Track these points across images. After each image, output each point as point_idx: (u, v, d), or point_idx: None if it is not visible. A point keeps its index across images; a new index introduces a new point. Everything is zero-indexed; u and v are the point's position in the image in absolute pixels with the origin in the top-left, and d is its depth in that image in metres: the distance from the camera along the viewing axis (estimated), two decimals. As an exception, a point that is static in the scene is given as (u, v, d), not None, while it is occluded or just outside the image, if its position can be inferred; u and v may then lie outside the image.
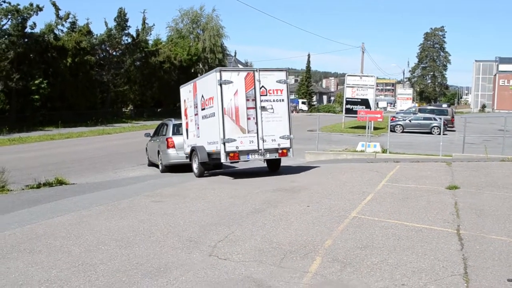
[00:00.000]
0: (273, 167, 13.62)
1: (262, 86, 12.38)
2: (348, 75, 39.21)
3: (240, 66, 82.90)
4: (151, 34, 53.40)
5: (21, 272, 5.37)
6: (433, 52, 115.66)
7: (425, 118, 34.87)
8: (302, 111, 77.20)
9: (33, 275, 5.26)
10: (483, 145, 20.37)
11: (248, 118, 12.22)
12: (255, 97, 12.28)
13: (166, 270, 5.34)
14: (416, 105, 70.94)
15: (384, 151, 18.84)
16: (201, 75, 21.86)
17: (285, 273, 5.18)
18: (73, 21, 45.92)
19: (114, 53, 50.20)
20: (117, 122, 45.56)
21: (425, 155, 17.83)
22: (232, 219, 7.64)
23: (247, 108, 12.21)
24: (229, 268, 5.35)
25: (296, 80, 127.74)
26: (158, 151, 15.75)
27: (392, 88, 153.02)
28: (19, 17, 37.45)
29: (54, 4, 42.33)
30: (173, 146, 15.01)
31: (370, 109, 35.52)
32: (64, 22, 43.93)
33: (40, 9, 38.64)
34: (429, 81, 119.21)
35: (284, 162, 15.45)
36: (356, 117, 26.28)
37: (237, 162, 13.44)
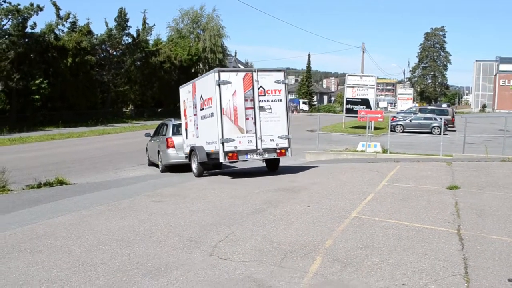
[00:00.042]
0: (272, 167, 13.65)
1: (261, 86, 12.44)
2: (349, 75, 39.20)
3: (241, 66, 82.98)
4: (151, 34, 53.48)
5: (21, 272, 5.38)
6: (433, 52, 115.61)
7: (425, 118, 34.86)
8: (303, 111, 77.23)
9: (34, 275, 5.26)
10: (484, 145, 20.36)
11: (247, 118, 12.27)
12: (253, 97, 12.34)
13: (166, 270, 5.34)
14: (417, 105, 70.93)
15: (384, 151, 18.84)
16: (201, 75, 21.85)
17: (285, 273, 5.18)
18: (73, 21, 45.95)
19: (114, 53, 50.21)
20: (118, 122, 45.55)
21: (426, 155, 17.83)
22: (233, 219, 7.64)
23: (246, 108, 12.27)
24: (229, 268, 5.35)
25: (296, 80, 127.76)
26: (158, 151, 15.78)
27: (393, 88, 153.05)
28: (19, 17, 37.46)
29: (54, 4, 42.35)
30: (173, 146, 15.05)
31: (371, 109, 35.52)
32: (64, 22, 43.97)
33: (41, 9, 38.65)
34: (429, 81, 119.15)
35: (285, 162, 15.45)
36: (356, 117, 26.28)
37: (236, 162, 13.51)
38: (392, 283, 4.85)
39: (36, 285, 4.99)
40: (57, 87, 41.03)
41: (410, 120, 34.85)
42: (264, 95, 12.45)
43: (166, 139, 15.24)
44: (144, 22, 51.61)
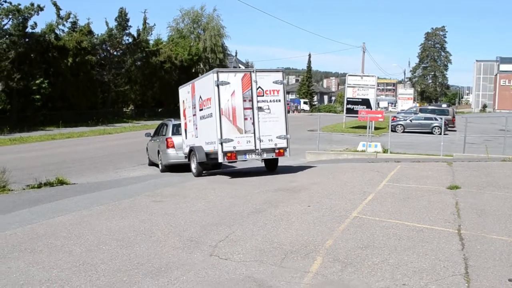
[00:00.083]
0: (271, 167, 13.70)
1: (259, 87, 12.51)
2: (349, 75, 39.17)
3: (241, 66, 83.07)
4: (152, 34, 53.43)
5: (22, 271, 5.38)
6: (434, 52, 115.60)
7: (426, 118, 34.85)
8: (304, 111, 77.27)
9: (34, 275, 5.26)
10: (484, 145, 20.37)
11: (245, 119, 12.34)
12: (252, 97, 12.41)
13: (167, 270, 5.34)
14: (417, 105, 70.86)
15: (385, 151, 18.83)
16: (202, 75, 21.87)
17: (286, 273, 5.18)
18: (74, 21, 45.92)
19: (115, 53, 50.20)
20: (118, 122, 45.54)
21: (426, 155, 17.82)
22: (233, 219, 7.64)
23: (244, 108, 12.35)
24: (230, 268, 5.35)
25: (297, 80, 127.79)
26: (158, 151, 15.82)
27: (393, 88, 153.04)
28: (20, 17, 37.44)
29: (55, 4, 42.33)
30: (173, 146, 15.09)
31: (371, 109, 35.51)
32: (65, 22, 43.93)
33: (41, 9, 38.62)
34: (430, 81, 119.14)
35: (285, 162, 15.45)
36: (357, 117, 26.26)
37: (235, 162, 13.57)
38: (392, 283, 4.85)
39: (36, 285, 4.99)
40: (58, 87, 41.02)
41: (411, 120, 34.84)
42: (263, 96, 12.52)
43: (166, 139, 15.27)
44: (145, 22, 51.60)
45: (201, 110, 13.45)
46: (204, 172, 13.71)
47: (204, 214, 8.07)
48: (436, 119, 33.49)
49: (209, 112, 12.76)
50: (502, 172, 12.40)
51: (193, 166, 13.58)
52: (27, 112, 38.53)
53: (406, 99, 71.32)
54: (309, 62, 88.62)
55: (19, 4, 37.58)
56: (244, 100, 12.35)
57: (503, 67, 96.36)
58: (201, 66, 62.39)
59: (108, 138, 30.45)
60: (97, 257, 5.82)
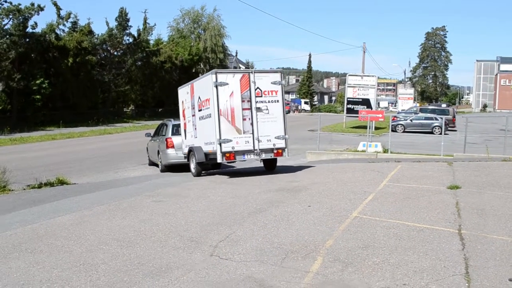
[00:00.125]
0: (270, 167, 13.77)
1: (257, 88, 12.58)
2: (350, 75, 39.15)
3: (242, 66, 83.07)
4: (152, 34, 53.37)
5: (22, 272, 5.38)
6: (434, 52, 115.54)
7: (426, 118, 34.83)
8: (305, 111, 77.30)
9: (35, 275, 5.26)
10: (485, 145, 20.39)
11: (244, 119, 12.42)
12: (250, 98, 12.49)
13: (167, 270, 5.34)
14: (418, 105, 70.84)
15: (385, 151, 18.83)
16: (202, 75, 21.90)
17: (286, 273, 5.18)
18: (74, 21, 45.89)
19: (115, 53, 50.16)
20: (118, 122, 45.54)
21: (427, 155, 17.81)
22: (233, 219, 7.64)
23: (243, 109, 12.43)
24: (230, 268, 5.35)
25: (297, 80, 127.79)
26: (158, 151, 15.85)
27: (393, 88, 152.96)
28: (20, 17, 37.43)
29: (55, 4, 42.31)
30: (172, 146, 15.13)
31: (372, 109, 35.50)
32: (65, 22, 43.90)
33: (42, 9, 38.60)
34: (430, 81, 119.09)
35: (285, 161, 15.46)
36: (357, 117, 26.26)
37: (234, 162, 13.62)
38: (393, 283, 4.85)
39: (37, 285, 4.99)
40: (58, 87, 41.02)
41: (411, 120, 34.83)
42: (261, 96, 12.60)
43: (166, 139, 15.31)
44: (145, 22, 51.58)
45: (200, 110, 13.53)
46: (203, 172, 13.78)
47: (205, 214, 8.07)
48: (436, 119, 33.48)
49: (208, 113, 12.84)
50: (503, 172, 12.40)
51: (192, 166, 13.66)
52: (27, 112, 38.51)
53: (407, 99, 71.20)
54: (310, 62, 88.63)
55: (20, 4, 37.61)
56: (243, 101, 12.42)
57: (504, 67, 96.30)
58: (202, 66, 62.39)
59: (108, 138, 30.46)
60: (97, 257, 5.82)
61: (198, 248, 6.12)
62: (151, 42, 55.14)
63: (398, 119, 35.44)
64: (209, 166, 14.36)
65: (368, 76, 39.17)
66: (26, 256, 5.93)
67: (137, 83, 52.32)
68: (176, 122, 15.92)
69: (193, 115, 14.11)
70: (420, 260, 5.49)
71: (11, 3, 37.17)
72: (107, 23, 47.80)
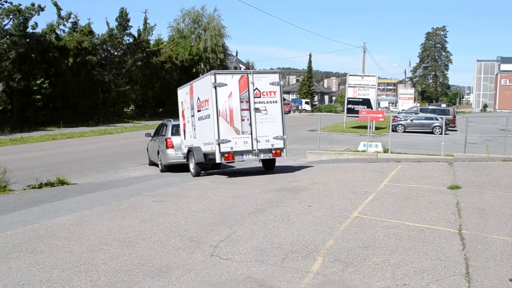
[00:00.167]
0: (268, 167, 13.84)
1: (256, 88, 12.65)
2: (350, 75, 39.16)
3: (242, 66, 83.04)
4: (152, 34, 53.37)
5: (23, 272, 5.38)
6: (434, 52, 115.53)
7: (426, 118, 34.83)
8: (306, 111, 77.35)
9: (35, 275, 5.26)
10: (485, 145, 20.38)
11: (242, 120, 12.49)
12: (249, 99, 12.56)
13: (167, 270, 5.34)
14: (418, 105, 70.84)
15: (385, 151, 18.82)
16: (202, 75, 21.93)
17: (286, 273, 5.18)
18: (74, 21, 45.88)
19: (115, 53, 50.16)
20: (119, 122, 45.55)
21: (427, 155, 17.81)
22: (234, 219, 7.64)
23: (241, 109, 12.50)
24: (230, 268, 5.35)
25: (297, 80, 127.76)
26: (158, 151, 15.87)
27: (394, 88, 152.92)
28: (20, 17, 37.43)
29: (55, 4, 42.32)
30: (172, 147, 15.17)
31: (372, 109, 35.50)
32: (65, 22, 43.90)
33: (42, 9, 38.60)
34: (430, 81, 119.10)
35: (286, 161, 15.47)
36: (357, 117, 26.27)
37: (233, 162, 13.68)
38: (393, 283, 4.85)
39: (37, 285, 4.99)
40: (58, 87, 41.03)
41: (411, 120, 34.82)
42: (260, 97, 12.68)
43: (166, 139, 15.35)
44: (145, 22, 51.58)
45: (199, 111, 13.61)
46: (202, 172, 13.84)
47: (205, 214, 8.07)
48: (437, 119, 33.47)
49: (207, 113, 12.91)
50: (503, 172, 12.39)
51: (192, 166, 13.73)
52: (27, 112, 38.51)
53: (407, 99, 71.23)
54: (310, 62, 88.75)
55: (20, 4, 37.60)
56: (241, 102, 12.50)
57: (504, 66, 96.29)
58: (202, 66, 62.39)
59: (108, 138, 30.47)
60: (98, 257, 5.82)
61: (198, 248, 6.12)
62: (152, 42, 55.14)
63: (399, 119, 35.44)
64: (208, 166, 14.44)
65: (368, 76, 39.18)
66: (27, 256, 5.93)
67: (137, 83, 52.33)
68: (176, 123, 15.98)
69: (192, 116, 14.17)
70: (421, 260, 5.49)
71: (11, 3, 37.21)
72: (108, 23, 47.87)
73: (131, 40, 50.05)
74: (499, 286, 4.75)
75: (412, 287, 4.75)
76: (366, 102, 36.72)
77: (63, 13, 43.14)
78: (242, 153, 12.53)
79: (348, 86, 38.23)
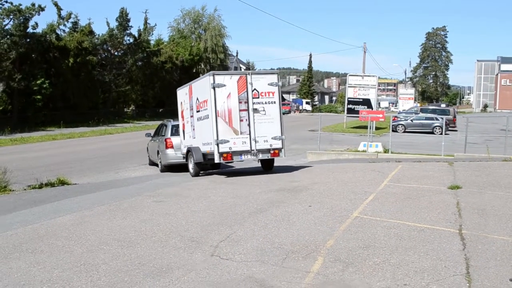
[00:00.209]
0: (267, 167, 13.88)
1: (254, 89, 12.72)
2: (350, 75, 39.17)
3: (242, 66, 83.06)
4: (153, 34, 53.44)
5: (23, 272, 5.38)
6: (435, 52, 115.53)
7: (427, 118, 34.83)
8: (306, 111, 77.40)
9: (35, 275, 5.26)
10: (485, 145, 20.37)
11: (241, 120, 12.56)
12: (247, 99, 12.62)
13: (168, 270, 5.34)
14: (418, 105, 70.83)
15: (386, 151, 18.82)
16: (202, 75, 21.96)
17: (287, 273, 5.18)
18: (75, 21, 45.91)
19: (116, 53, 50.20)
20: (119, 122, 45.57)
21: (427, 155, 17.81)
22: (234, 219, 7.64)
23: (240, 110, 12.57)
24: (231, 268, 5.35)
25: (297, 80, 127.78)
26: (158, 151, 15.91)
27: (394, 88, 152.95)
28: (21, 17, 37.45)
29: (56, 4, 42.35)
30: (172, 147, 15.21)
31: (372, 109, 35.50)
32: (66, 22, 43.94)
33: (42, 9, 38.62)
34: (431, 81, 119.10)
35: (286, 161, 15.47)
36: (358, 117, 26.27)
37: (232, 162, 13.74)
38: (393, 283, 4.85)
39: (37, 285, 4.99)
40: (59, 87, 41.05)
41: (412, 120, 34.82)
42: (258, 97, 12.74)
43: (165, 139, 15.40)
44: (146, 22, 51.62)
45: (198, 111, 13.69)
46: (201, 172, 13.89)
47: (205, 214, 8.07)
48: (437, 119, 33.47)
49: (205, 114, 12.98)
50: (503, 172, 12.39)
51: (191, 166, 13.79)
52: (28, 113, 38.53)
53: (407, 99, 71.25)
54: (310, 62, 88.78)
55: (20, 5, 37.62)
56: (240, 102, 12.56)
57: (504, 66, 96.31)
58: (202, 66, 62.42)
59: (109, 139, 30.48)
60: (98, 257, 5.82)
61: (198, 248, 6.12)
62: (152, 42, 55.18)
63: (399, 119, 35.44)
64: (208, 166, 14.52)
65: (368, 76, 39.18)
66: (27, 256, 5.93)
67: (137, 83, 52.36)
68: (176, 123, 16.03)
69: (192, 116, 14.24)
70: (421, 260, 5.49)
71: (11, 3, 37.24)
72: (108, 24, 47.93)
73: (131, 40, 50.09)
74: (500, 286, 4.75)
75: (413, 287, 4.75)
76: (367, 102, 36.72)
77: (63, 13, 43.25)
78: (240, 153, 12.60)
79: (349, 86, 38.23)
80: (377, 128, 29.31)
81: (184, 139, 14.98)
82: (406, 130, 33.10)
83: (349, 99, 37.57)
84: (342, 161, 16.59)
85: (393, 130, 23.72)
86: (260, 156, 12.90)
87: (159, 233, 6.87)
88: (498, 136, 23.80)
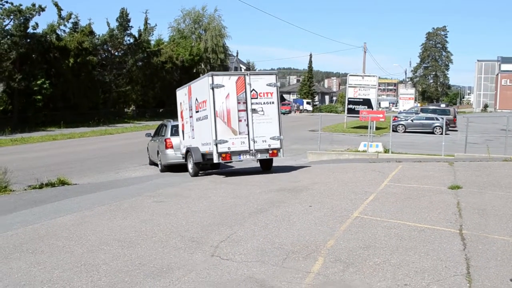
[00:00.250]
0: (266, 167, 13.93)
1: (253, 89, 12.79)
2: (350, 75, 39.16)
3: (242, 66, 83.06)
4: (153, 34, 53.44)
5: (23, 272, 5.38)
6: (435, 52, 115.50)
7: (427, 118, 34.81)
8: (307, 111, 77.46)
9: (36, 276, 5.26)
10: (486, 145, 20.36)
11: (240, 120, 12.63)
12: (246, 100, 12.69)
13: (168, 271, 5.34)
14: (418, 105, 70.83)
15: (386, 151, 18.82)
16: (203, 75, 22.00)
17: (287, 273, 5.18)
18: (75, 21, 45.91)
19: (116, 54, 50.20)
20: (119, 122, 45.59)
21: (427, 155, 17.80)
22: (234, 219, 7.64)
23: (239, 110, 12.64)
24: (231, 269, 5.35)
25: (298, 80, 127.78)
26: (158, 151, 15.93)
27: (394, 88, 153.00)
28: (21, 18, 37.46)
29: (56, 5, 42.37)
30: (171, 147, 15.24)
31: (372, 109, 35.48)
32: (66, 23, 43.96)
33: (43, 10, 38.62)
34: (431, 81, 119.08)
35: (286, 161, 15.48)
36: (358, 117, 26.26)
37: (230, 162, 13.79)
38: (394, 283, 4.85)
39: (38, 285, 4.99)
40: (59, 87, 41.06)
41: (412, 120, 34.81)
42: (257, 98, 12.81)
43: (165, 139, 15.42)
44: (146, 22, 51.62)
45: (197, 112, 13.75)
46: (201, 172, 13.94)
47: (206, 214, 8.07)
48: (437, 119, 33.45)
49: (204, 114, 13.04)
50: (504, 172, 12.39)
51: (190, 166, 13.83)
52: (28, 113, 38.54)
53: (407, 99, 71.26)
54: (310, 62, 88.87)
55: (21, 5, 37.61)
56: (239, 103, 12.63)
57: (504, 66, 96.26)
58: (202, 66, 62.46)
59: (109, 139, 30.47)
60: (98, 258, 5.82)
61: (199, 248, 6.12)
62: (152, 42, 55.19)
63: (399, 119, 35.44)
64: (207, 166, 14.59)
65: (369, 76, 39.16)
66: (27, 257, 5.93)
67: (138, 84, 52.36)
68: (175, 123, 16.06)
69: (191, 116, 14.30)
70: (421, 260, 5.49)
71: (12, 3, 37.24)
72: (108, 24, 47.93)
73: (131, 40, 50.09)
74: (500, 286, 4.75)
75: (413, 287, 4.75)
76: (367, 102, 36.70)
77: (63, 13, 43.28)
78: (239, 153, 12.67)
79: (349, 86, 38.21)
80: (377, 128, 29.31)
81: (183, 139, 15.02)
82: (407, 130, 33.09)
83: (349, 99, 37.55)
84: (343, 161, 16.59)
85: (393, 130, 23.72)
86: (259, 156, 12.97)
87: (159, 233, 6.87)
88: (498, 136, 23.80)
